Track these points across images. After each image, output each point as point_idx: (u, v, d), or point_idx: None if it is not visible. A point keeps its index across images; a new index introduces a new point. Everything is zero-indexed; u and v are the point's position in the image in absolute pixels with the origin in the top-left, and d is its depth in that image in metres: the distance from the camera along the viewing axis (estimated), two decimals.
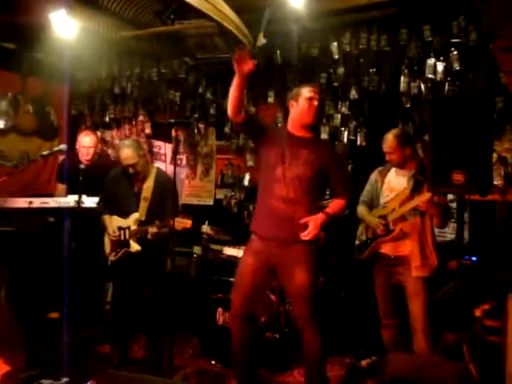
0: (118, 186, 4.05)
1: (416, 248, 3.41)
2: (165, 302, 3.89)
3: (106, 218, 4.05)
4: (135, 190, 4.00)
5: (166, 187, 3.92)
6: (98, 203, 4.12)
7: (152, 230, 3.80)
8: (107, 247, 4.06)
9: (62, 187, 4.61)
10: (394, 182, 3.58)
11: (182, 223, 3.63)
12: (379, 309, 3.64)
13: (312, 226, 3.05)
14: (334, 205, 3.22)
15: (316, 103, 3.15)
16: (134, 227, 3.91)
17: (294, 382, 3.71)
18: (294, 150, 3.16)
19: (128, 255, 3.95)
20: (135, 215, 3.93)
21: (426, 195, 3.25)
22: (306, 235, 3.05)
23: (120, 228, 3.96)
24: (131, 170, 3.92)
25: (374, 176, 3.75)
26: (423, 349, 3.36)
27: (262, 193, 3.27)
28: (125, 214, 3.97)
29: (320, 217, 3.09)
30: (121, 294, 4.05)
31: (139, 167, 3.94)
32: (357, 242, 3.73)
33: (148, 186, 3.97)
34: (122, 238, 3.94)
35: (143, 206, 3.95)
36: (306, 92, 3.18)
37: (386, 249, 3.53)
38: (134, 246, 3.91)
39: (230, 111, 3.18)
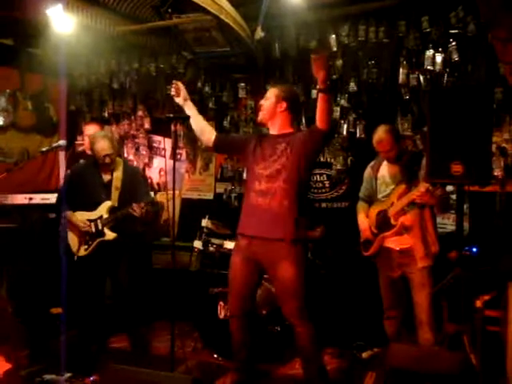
0: (84, 178, 4.06)
1: (418, 239, 3.43)
2: (144, 292, 3.97)
3: (70, 213, 4.04)
4: (104, 180, 4.04)
5: (135, 177, 4.13)
6: (56, 205, 4.17)
7: (139, 206, 3.85)
8: (74, 243, 4.04)
9: None
10: (388, 176, 3.59)
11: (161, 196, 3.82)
12: (383, 300, 3.65)
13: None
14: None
15: (261, 102, 3.29)
16: (106, 216, 3.95)
17: (295, 374, 3.72)
18: (269, 147, 3.23)
19: (102, 245, 3.96)
20: (108, 203, 3.97)
21: (422, 187, 3.25)
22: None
23: (90, 220, 3.98)
24: (108, 160, 3.96)
25: (367, 172, 3.77)
26: (428, 339, 3.38)
27: (245, 194, 3.34)
28: (92, 206, 3.98)
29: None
30: (98, 287, 4.07)
31: (114, 157, 4.00)
32: (361, 238, 3.73)
33: (117, 176, 4.03)
34: (94, 229, 3.95)
35: (115, 194, 4.00)
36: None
37: (391, 243, 3.54)
38: (110, 234, 3.93)
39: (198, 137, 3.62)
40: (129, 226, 3.98)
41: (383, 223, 3.54)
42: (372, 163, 3.76)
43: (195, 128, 3.44)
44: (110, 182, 4.02)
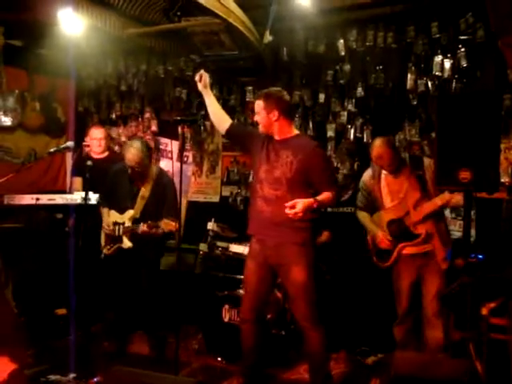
0: (118, 181, 4.11)
1: (438, 242, 3.45)
2: (162, 298, 3.97)
3: (105, 211, 4.12)
4: (134, 188, 4.06)
5: (166, 189, 4.04)
6: (99, 197, 4.17)
7: (143, 228, 3.85)
8: (102, 240, 4.13)
9: (78, 180, 4.68)
10: (394, 185, 3.57)
11: (169, 225, 3.73)
12: (400, 306, 3.63)
13: (299, 206, 3.00)
14: (324, 195, 3.17)
15: (257, 118, 3.27)
16: (128, 224, 3.97)
17: (300, 379, 3.71)
18: (274, 151, 3.23)
19: (120, 251, 4.00)
20: (130, 212, 3.99)
21: (446, 196, 3.24)
22: (291, 213, 3.01)
23: (115, 223, 4.02)
24: (129, 171, 3.99)
25: (366, 181, 3.75)
26: (439, 339, 3.39)
27: (251, 195, 3.39)
28: (122, 210, 4.03)
29: (308, 201, 3.05)
30: (115, 289, 4.10)
31: (140, 168, 3.97)
32: (373, 248, 3.71)
33: (147, 186, 4.04)
34: (116, 233, 3.99)
35: (139, 204, 4.01)
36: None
37: (412, 249, 3.53)
38: (127, 243, 3.97)
39: (214, 124, 3.61)
40: (142, 240, 3.96)
41: (400, 232, 3.52)
42: (370, 173, 3.74)
43: (212, 114, 3.48)
44: (138, 190, 4.04)
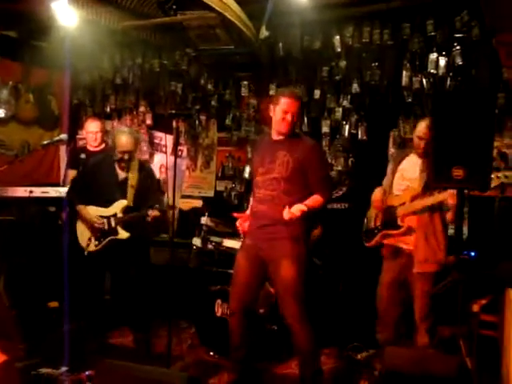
0: (100, 173, 4.02)
1: (421, 243, 3.37)
2: (153, 292, 3.99)
3: (82, 207, 4.04)
4: (119, 178, 4.01)
5: (150, 177, 4.13)
6: (68, 193, 4.15)
7: (153, 213, 3.85)
8: (83, 238, 4.04)
9: (73, 173, 4.66)
10: (409, 170, 3.53)
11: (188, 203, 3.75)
12: (379, 303, 3.59)
13: (295, 209, 3.00)
14: (313, 199, 3.15)
15: (289, 118, 3.16)
16: (120, 214, 3.94)
17: (291, 374, 3.73)
18: (271, 153, 3.23)
19: (113, 243, 3.96)
20: (123, 202, 3.95)
21: (447, 194, 3.22)
22: (286, 214, 3.00)
23: (102, 217, 3.97)
24: (126, 157, 3.94)
25: (390, 163, 3.75)
26: (423, 342, 3.38)
27: (252, 198, 3.40)
28: (105, 202, 3.97)
29: (301, 208, 3.02)
30: (100, 282, 4.11)
31: (129, 155, 3.97)
32: (364, 227, 3.72)
33: (133, 175, 4.01)
34: (107, 226, 3.95)
35: (130, 193, 3.97)
36: (282, 103, 3.17)
37: (393, 240, 3.52)
38: (123, 233, 3.93)
39: None
40: (140, 227, 3.98)
41: (389, 220, 3.52)
42: (395, 154, 3.75)
43: None
44: (126, 180, 4.00)
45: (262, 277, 3.36)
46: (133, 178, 4.00)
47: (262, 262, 3.25)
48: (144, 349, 4.01)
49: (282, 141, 3.23)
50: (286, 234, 3.14)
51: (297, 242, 3.16)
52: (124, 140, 3.93)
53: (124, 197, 3.96)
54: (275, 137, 3.28)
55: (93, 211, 3.99)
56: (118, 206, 3.96)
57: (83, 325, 4.00)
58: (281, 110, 3.16)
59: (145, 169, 4.14)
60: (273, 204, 3.16)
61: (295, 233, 3.15)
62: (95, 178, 4.00)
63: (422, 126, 3.43)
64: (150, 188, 4.05)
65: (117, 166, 4.00)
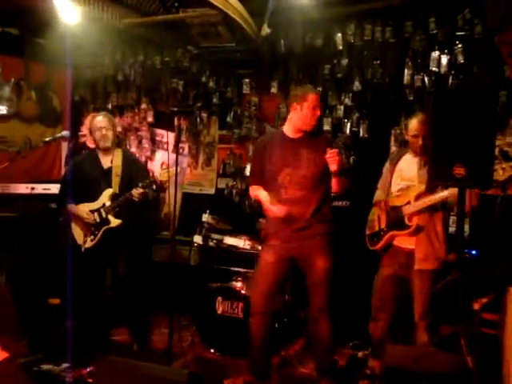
0: (85, 169, 4.05)
1: (422, 240, 3.36)
2: (144, 285, 4.04)
3: (73, 207, 4.04)
4: (104, 168, 4.04)
5: (134, 163, 4.17)
6: (59, 198, 4.20)
7: (137, 191, 3.84)
8: (79, 236, 4.05)
9: None
10: (406, 170, 3.52)
11: (163, 174, 3.83)
12: (373, 300, 3.58)
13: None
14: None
15: (319, 113, 3.25)
16: (109, 203, 3.95)
17: (305, 374, 3.73)
18: (293, 152, 3.25)
19: (107, 234, 3.96)
20: (109, 190, 3.96)
21: (450, 191, 3.20)
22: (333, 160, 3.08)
23: (92, 211, 3.98)
24: (104, 132, 3.98)
25: (386, 165, 3.73)
26: (422, 341, 3.37)
27: (273, 198, 3.29)
28: (93, 197, 3.98)
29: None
30: (100, 278, 4.12)
31: (113, 138, 4.03)
32: (367, 231, 3.70)
33: (117, 164, 4.03)
34: (98, 218, 3.95)
35: (115, 181, 4.00)
36: (311, 100, 3.21)
37: (401, 242, 3.49)
38: (115, 221, 3.94)
39: None
40: (132, 213, 3.99)
41: (395, 220, 3.50)
42: (392, 156, 3.73)
43: None
44: (110, 169, 4.02)
45: (287, 276, 3.46)
46: (117, 166, 4.03)
47: (291, 260, 3.31)
48: (140, 346, 4.03)
49: (302, 138, 3.27)
50: (321, 231, 3.26)
51: (328, 237, 3.28)
52: (98, 118, 4.02)
53: (110, 186, 3.99)
54: (292, 134, 3.30)
55: (83, 208, 4.00)
56: (105, 196, 3.97)
57: (82, 322, 4.00)
58: (311, 105, 3.21)
59: (128, 156, 4.19)
60: (304, 204, 3.22)
61: (329, 229, 3.29)
62: (82, 175, 4.02)
63: (413, 124, 3.43)
64: (136, 174, 4.04)
65: (100, 156, 4.04)
